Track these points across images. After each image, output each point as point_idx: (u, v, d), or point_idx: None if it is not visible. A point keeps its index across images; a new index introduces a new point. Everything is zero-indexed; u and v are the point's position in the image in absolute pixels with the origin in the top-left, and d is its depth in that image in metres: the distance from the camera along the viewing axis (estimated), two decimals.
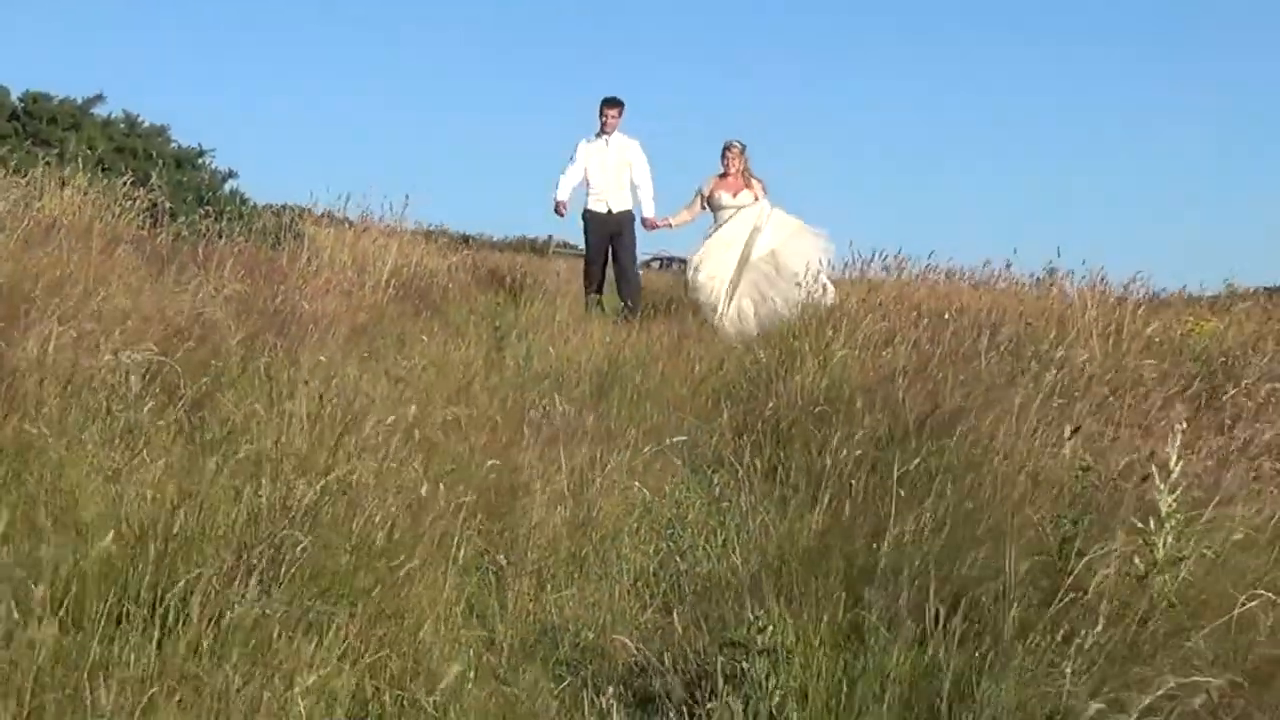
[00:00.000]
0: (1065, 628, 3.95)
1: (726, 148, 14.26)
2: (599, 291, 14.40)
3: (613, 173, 14.44)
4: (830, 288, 13.06)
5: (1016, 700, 3.67)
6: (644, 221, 14.61)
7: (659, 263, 30.93)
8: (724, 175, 14.21)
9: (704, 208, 14.38)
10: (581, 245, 15.72)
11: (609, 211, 14.42)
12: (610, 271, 14.64)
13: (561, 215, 14.65)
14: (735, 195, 14.03)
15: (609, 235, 14.41)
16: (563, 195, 14.42)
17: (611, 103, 14.64)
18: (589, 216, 14.51)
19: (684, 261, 15.38)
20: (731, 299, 13.49)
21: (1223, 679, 3.63)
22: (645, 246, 16.18)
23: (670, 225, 14.79)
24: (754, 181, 14.24)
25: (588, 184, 14.47)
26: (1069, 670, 3.65)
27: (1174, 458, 4.45)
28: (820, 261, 13.13)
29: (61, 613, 3.84)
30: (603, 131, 14.55)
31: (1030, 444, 6.04)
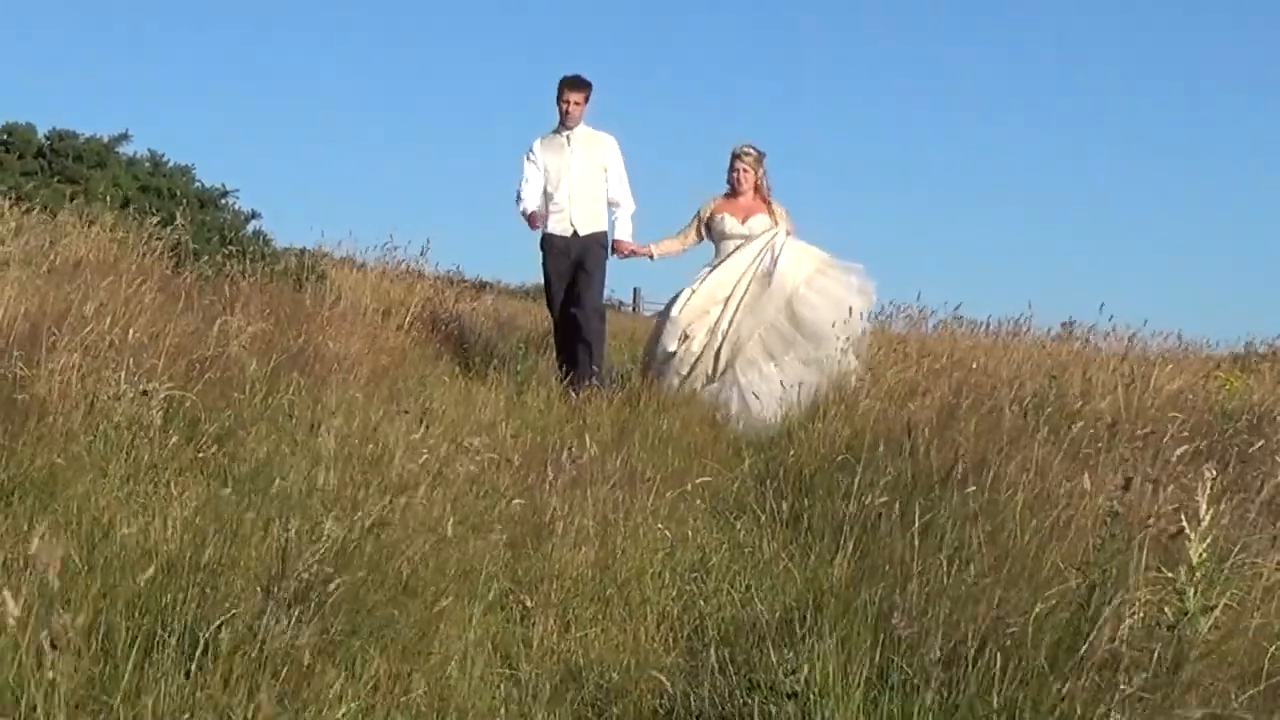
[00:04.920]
0: (1096, 675, 3.96)
1: (736, 157, 10.72)
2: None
3: (579, 181, 10.75)
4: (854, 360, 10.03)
5: None
6: (615, 245, 10.92)
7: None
8: (732, 194, 10.75)
9: (702, 236, 10.85)
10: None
11: (574, 234, 10.75)
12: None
13: (536, 228, 10.83)
14: (745, 221, 10.56)
15: (574, 266, 10.75)
16: (531, 204, 10.76)
17: (573, 83, 10.82)
18: (547, 243, 10.86)
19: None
20: (723, 370, 10.21)
21: None
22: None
23: (651, 255, 11.02)
24: (774, 205, 10.73)
25: (548, 197, 10.80)
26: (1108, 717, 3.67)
27: (1204, 506, 4.47)
28: (855, 312, 9.97)
29: (93, 641, 3.88)
30: (563, 125, 10.83)
31: (1054, 492, 6.05)
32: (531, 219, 10.74)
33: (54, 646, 3.37)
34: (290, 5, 77.05)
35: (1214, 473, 5.10)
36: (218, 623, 4.02)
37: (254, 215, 15.14)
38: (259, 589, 4.30)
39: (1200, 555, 4.40)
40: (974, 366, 10.76)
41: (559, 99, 10.75)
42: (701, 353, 10.23)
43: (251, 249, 12.52)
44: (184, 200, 13.15)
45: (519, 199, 10.79)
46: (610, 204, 10.92)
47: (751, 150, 10.73)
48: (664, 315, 10.88)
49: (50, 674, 3.57)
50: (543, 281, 11.18)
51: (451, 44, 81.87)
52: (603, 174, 10.85)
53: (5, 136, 14.38)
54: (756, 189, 10.72)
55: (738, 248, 10.49)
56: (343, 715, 3.77)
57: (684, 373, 10.25)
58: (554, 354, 11.16)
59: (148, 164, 14.79)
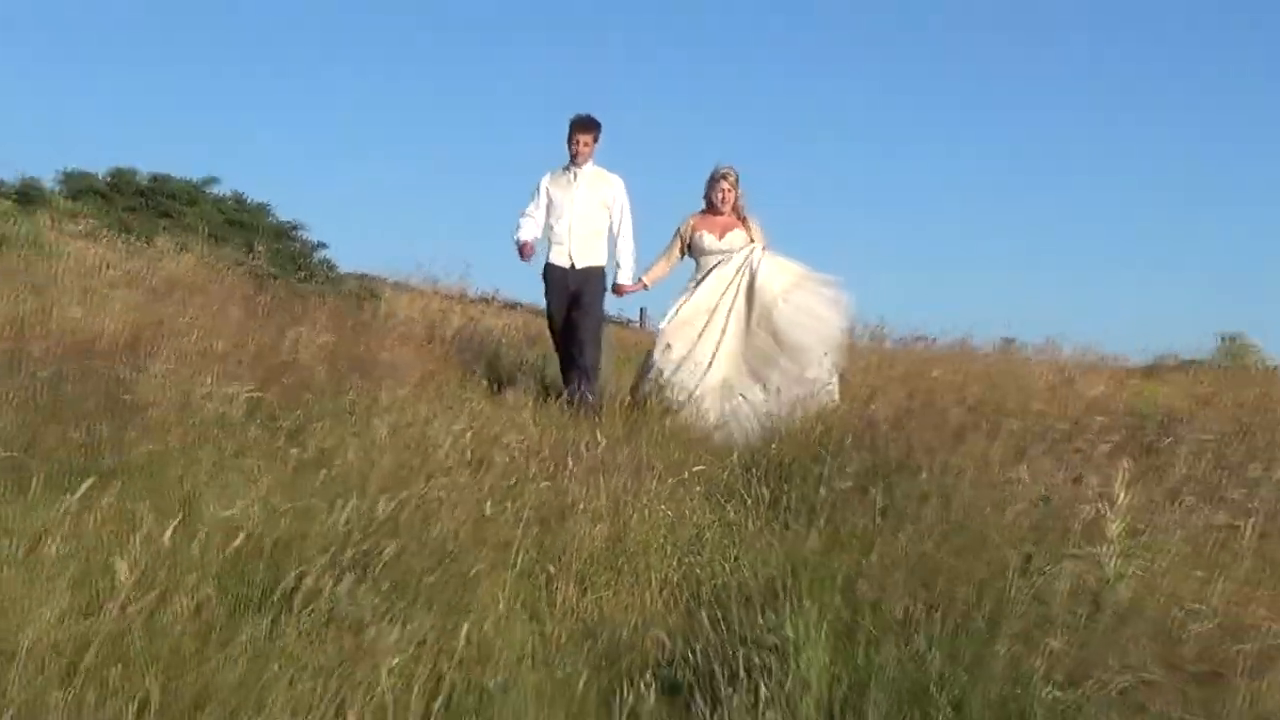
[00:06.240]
0: (1029, 633, 3.98)
1: (720, 176, 9.77)
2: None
3: (580, 216, 9.78)
4: (834, 383, 9.16)
5: (998, 695, 3.70)
6: (616, 288, 9.93)
7: None
8: (710, 211, 9.82)
9: (684, 254, 9.89)
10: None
11: (571, 266, 9.76)
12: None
13: (527, 259, 9.86)
14: (722, 237, 9.66)
15: (572, 297, 9.76)
16: (526, 234, 9.82)
17: (583, 124, 9.86)
18: (548, 273, 9.87)
19: None
20: (716, 381, 9.17)
21: (1161, 675, 3.68)
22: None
23: (646, 286, 10.01)
24: (750, 222, 9.81)
25: (550, 229, 9.84)
26: (1039, 668, 3.69)
27: (1120, 491, 4.50)
28: (832, 326, 9.33)
29: (188, 601, 3.90)
30: (572, 163, 9.86)
31: (994, 479, 6.06)
32: (523, 248, 9.84)
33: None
34: (348, 46, 77.12)
35: (1129, 464, 5.12)
36: (292, 587, 4.05)
37: (321, 245, 15.23)
38: (325, 557, 4.33)
39: (1117, 532, 4.43)
40: (932, 374, 10.75)
41: (569, 139, 9.83)
42: (683, 359, 9.29)
43: (319, 273, 12.56)
44: (262, 232, 13.21)
45: (517, 226, 9.89)
46: (615, 244, 9.93)
47: (732, 171, 9.81)
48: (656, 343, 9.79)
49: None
50: (545, 309, 10.15)
51: (494, 76, 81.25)
52: (605, 212, 9.86)
53: (112, 179, 14.49)
54: (733, 206, 9.79)
55: (718, 263, 9.58)
56: (396, 663, 3.77)
57: (662, 380, 9.25)
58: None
59: (232, 202, 14.89)
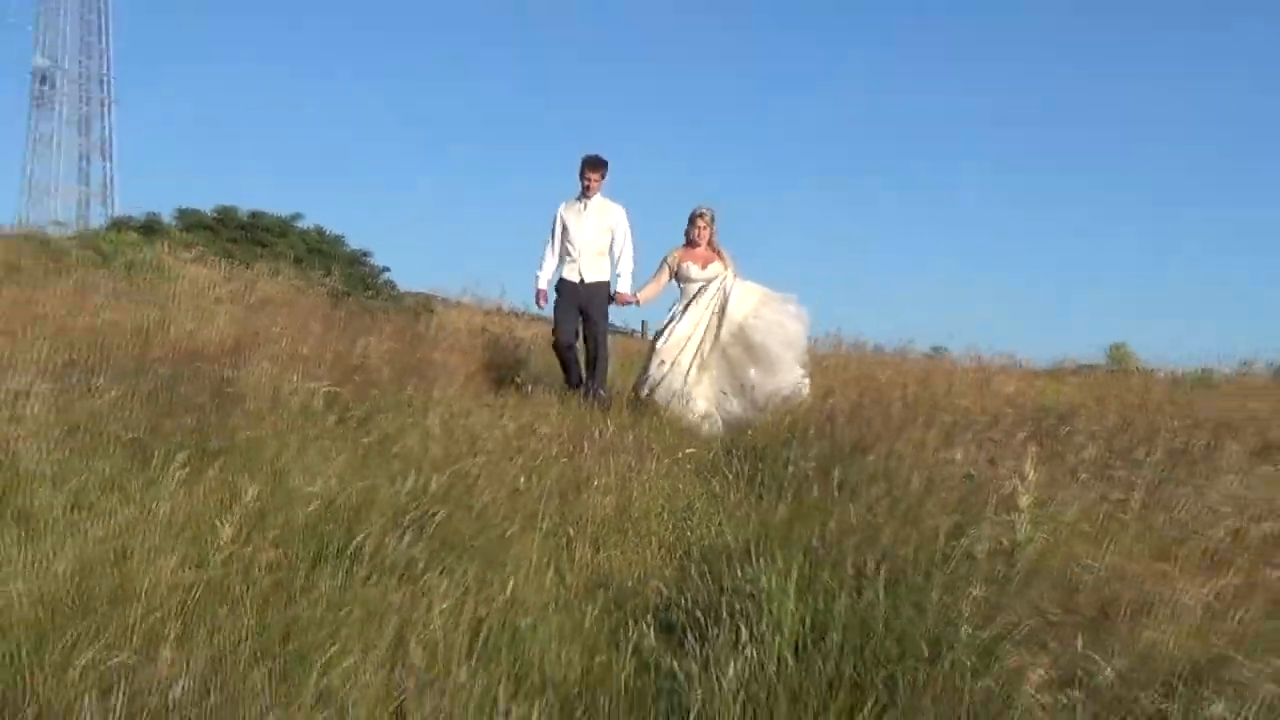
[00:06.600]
0: (958, 583, 3.99)
1: (698, 215, 9.56)
2: (579, 383, 9.54)
3: (590, 239, 9.58)
4: (805, 382, 9.08)
5: (931, 633, 3.71)
6: (614, 296, 9.70)
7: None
8: (690, 245, 9.57)
9: (671, 279, 9.65)
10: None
11: (581, 281, 9.57)
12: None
13: (541, 307, 9.90)
14: (704, 268, 9.42)
15: (579, 307, 9.57)
16: (544, 283, 9.68)
17: (593, 163, 9.68)
18: (560, 286, 9.68)
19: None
20: (696, 385, 9.09)
21: (1061, 617, 3.71)
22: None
23: (639, 303, 9.86)
24: (724, 254, 9.59)
25: (565, 250, 9.65)
26: (964, 612, 3.71)
27: (1029, 470, 4.51)
28: (796, 335, 9.24)
29: (278, 554, 3.93)
30: (584, 194, 9.65)
31: (928, 460, 6.06)
32: (538, 297, 9.73)
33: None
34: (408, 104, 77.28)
35: (1037, 449, 5.13)
36: (362, 544, 4.07)
37: (385, 269, 15.29)
38: (388, 521, 4.35)
39: (1027, 503, 4.45)
40: (876, 377, 10.74)
41: (581, 174, 9.62)
42: (670, 369, 9.13)
43: (383, 292, 12.58)
44: (338, 259, 13.25)
45: (541, 264, 9.66)
46: (616, 261, 9.70)
47: (708, 211, 9.60)
48: (652, 344, 9.73)
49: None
50: (552, 312, 9.78)
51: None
52: (609, 236, 9.62)
53: (218, 215, 14.54)
54: (708, 242, 9.54)
55: (699, 289, 9.39)
56: (445, 606, 3.79)
57: (655, 384, 9.13)
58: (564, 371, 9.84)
59: (314, 234, 14.93)
